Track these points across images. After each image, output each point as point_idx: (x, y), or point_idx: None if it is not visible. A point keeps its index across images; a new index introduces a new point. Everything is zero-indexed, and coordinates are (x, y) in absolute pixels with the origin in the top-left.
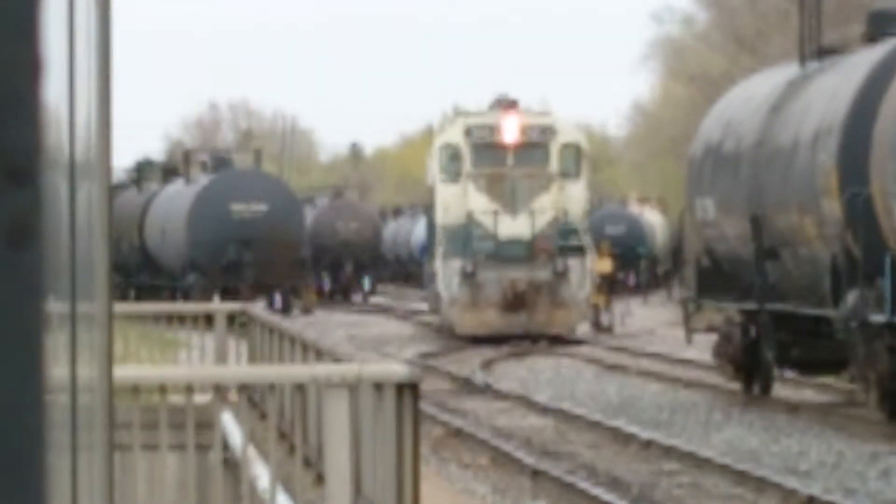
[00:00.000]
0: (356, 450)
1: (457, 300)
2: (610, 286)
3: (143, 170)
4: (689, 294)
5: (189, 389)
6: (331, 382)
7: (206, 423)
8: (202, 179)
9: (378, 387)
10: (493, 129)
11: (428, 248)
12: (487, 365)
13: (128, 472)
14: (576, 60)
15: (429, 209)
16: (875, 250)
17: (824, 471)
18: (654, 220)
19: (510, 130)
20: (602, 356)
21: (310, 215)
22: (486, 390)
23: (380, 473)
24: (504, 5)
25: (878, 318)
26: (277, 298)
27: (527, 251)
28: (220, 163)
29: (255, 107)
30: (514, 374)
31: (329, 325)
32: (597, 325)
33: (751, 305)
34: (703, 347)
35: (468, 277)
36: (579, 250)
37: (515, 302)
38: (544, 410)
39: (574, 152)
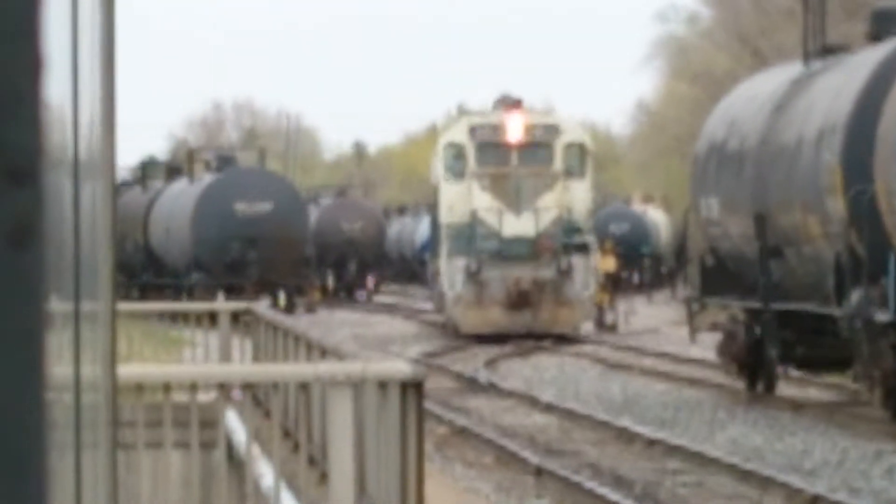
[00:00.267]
0: (360, 448)
1: (461, 298)
2: (614, 285)
3: (147, 169)
4: (693, 293)
5: (193, 388)
6: (335, 381)
7: (210, 421)
8: (206, 178)
9: (382, 385)
10: (498, 128)
11: (432, 246)
12: (492, 363)
13: (132, 470)
14: (579, 60)
15: (433, 208)
16: (879, 249)
17: (828, 469)
18: (658, 219)
19: (514, 129)
20: (606, 355)
21: (314, 214)
22: (491, 389)
23: (384, 472)
24: (504, 5)
25: (882, 316)
26: (282, 296)
27: (531, 250)
28: (224, 162)
29: (258, 106)
30: (518, 372)
31: (333, 323)
32: (601, 324)
33: (755, 304)
34: (707, 346)
35: (472, 276)
36: (583, 249)
37: (519, 300)
38: (548, 409)
39: (578, 151)
